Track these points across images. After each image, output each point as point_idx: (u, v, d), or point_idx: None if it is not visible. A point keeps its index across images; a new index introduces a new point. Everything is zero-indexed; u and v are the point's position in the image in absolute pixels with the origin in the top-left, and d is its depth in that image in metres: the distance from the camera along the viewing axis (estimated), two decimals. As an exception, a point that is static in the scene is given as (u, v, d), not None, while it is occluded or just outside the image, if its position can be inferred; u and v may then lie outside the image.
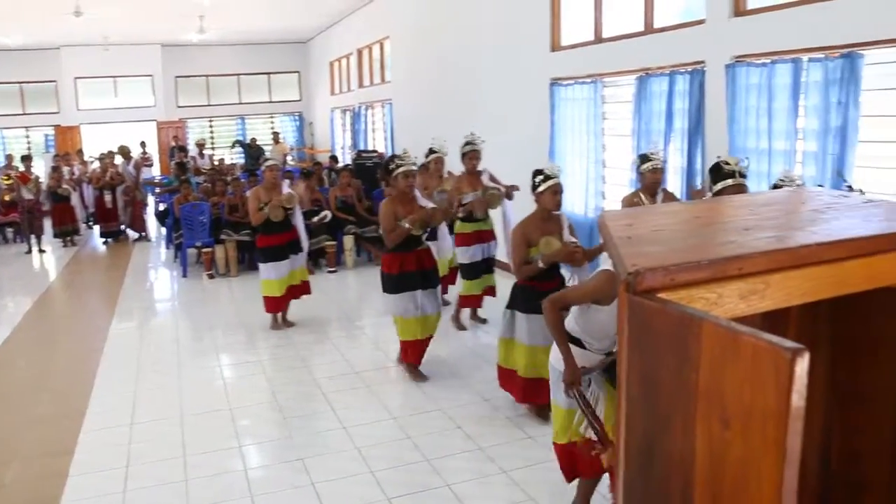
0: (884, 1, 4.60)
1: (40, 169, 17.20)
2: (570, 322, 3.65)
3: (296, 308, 7.65)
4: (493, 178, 6.78)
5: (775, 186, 4.39)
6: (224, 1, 14.04)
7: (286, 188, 7.30)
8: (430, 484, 4.28)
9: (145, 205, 14.50)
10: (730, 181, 4.26)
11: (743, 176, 4.31)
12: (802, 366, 0.93)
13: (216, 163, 16.43)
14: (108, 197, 13.39)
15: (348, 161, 14.90)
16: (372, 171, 12.53)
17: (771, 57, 5.37)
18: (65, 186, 13.37)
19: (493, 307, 7.12)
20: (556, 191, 4.72)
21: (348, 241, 10.43)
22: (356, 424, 5.14)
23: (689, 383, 1.05)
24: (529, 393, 4.95)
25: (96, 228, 14.04)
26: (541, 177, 4.74)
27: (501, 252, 7.13)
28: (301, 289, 7.48)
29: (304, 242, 7.48)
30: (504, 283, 7.40)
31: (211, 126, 22.11)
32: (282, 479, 4.44)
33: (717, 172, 4.36)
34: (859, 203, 1.84)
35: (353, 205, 10.72)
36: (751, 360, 0.96)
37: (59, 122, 20.07)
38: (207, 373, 6.38)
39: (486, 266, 7.00)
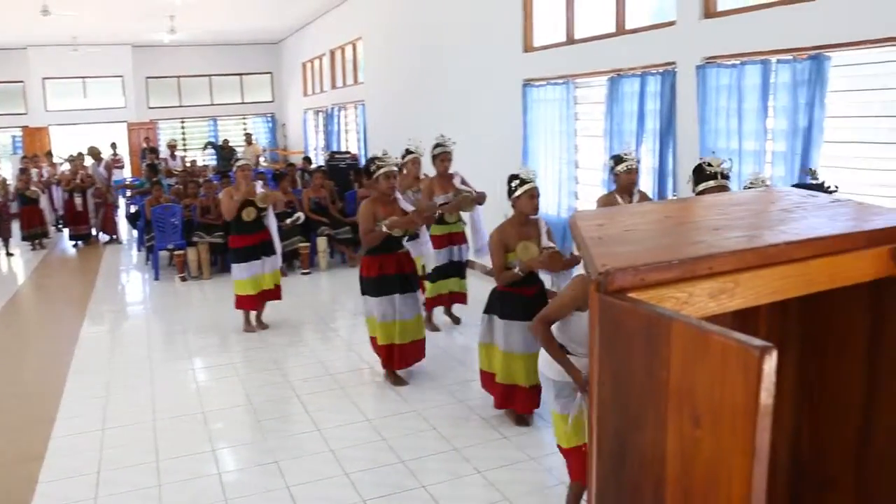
0: (850, 4, 4.67)
1: (8, 171, 16.95)
2: (554, 329, 3.65)
3: (269, 310, 7.61)
4: (464, 182, 6.75)
5: (746, 189, 4.43)
6: (195, 1, 13.93)
7: (259, 188, 7.24)
8: (405, 485, 4.28)
9: (116, 207, 14.34)
10: (712, 182, 4.28)
11: (725, 177, 4.33)
12: (770, 364, 0.94)
13: (188, 164, 16.30)
14: (78, 200, 13.22)
15: (321, 162, 14.85)
16: (345, 173, 12.49)
17: (740, 58, 5.43)
18: (33, 189, 13.18)
19: (467, 308, 7.16)
20: (533, 195, 4.69)
21: (322, 242, 10.39)
22: (331, 426, 5.12)
23: (659, 382, 1.06)
24: (506, 399, 4.93)
25: (66, 231, 13.86)
26: (517, 181, 4.71)
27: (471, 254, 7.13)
28: (273, 293, 7.41)
29: (277, 244, 7.41)
30: (477, 284, 7.43)
31: (182, 127, 21.94)
32: (256, 483, 4.41)
33: (700, 173, 4.38)
34: (826, 203, 1.87)
35: (327, 206, 10.68)
36: (720, 359, 0.98)
37: (27, 124, 19.82)
38: (180, 376, 6.32)
39: (455, 269, 6.95)
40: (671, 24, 6.16)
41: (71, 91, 20.19)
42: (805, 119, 4.92)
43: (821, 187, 3.96)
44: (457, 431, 4.94)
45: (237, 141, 19.84)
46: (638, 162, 5.55)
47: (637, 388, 1.12)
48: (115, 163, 16.03)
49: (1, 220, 12.66)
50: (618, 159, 5.44)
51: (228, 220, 7.31)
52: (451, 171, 6.73)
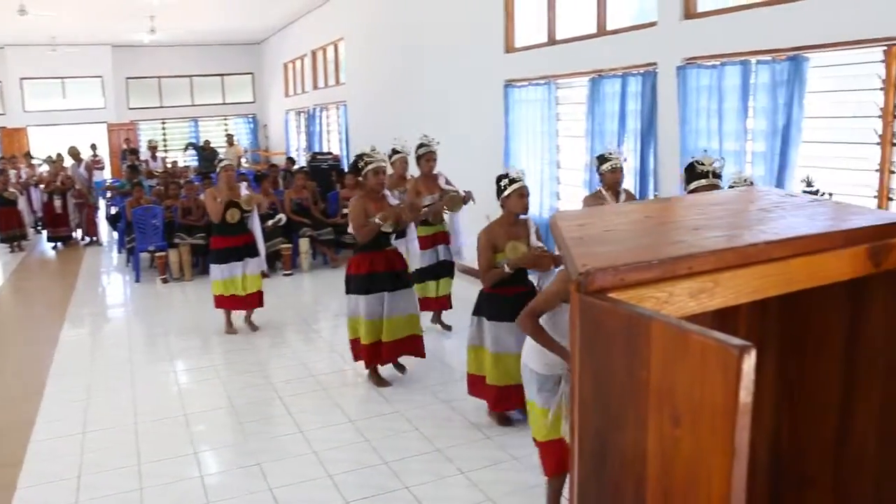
0: (828, 5, 4.72)
1: (-15, 172, 16.72)
2: (544, 323, 3.65)
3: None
4: (448, 182, 6.71)
5: (729, 188, 4.46)
6: (175, 1, 13.84)
7: (244, 190, 7.18)
8: (388, 486, 4.27)
9: (96, 208, 14.22)
10: (703, 181, 4.29)
11: (717, 176, 4.34)
12: (749, 363, 0.94)
13: (169, 166, 16.19)
14: (57, 202, 13.11)
15: (304, 163, 14.81)
16: (327, 174, 12.47)
17: (720, 59, 5.48)
18: (11, 190, 13.06)
19: (456, 313, 7.03)
20: (523, 194, 4.66)
21: (304, 243, 10.36)
22: (313, 428, 5.10)
23: (639, 382, 1.06)
24: (503, 400, 4.86)
25: (45, 233, 13.73)
26: (506, 180, 4.68)
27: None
28: (254, 299, 7.28)
29: (261, 246, 7.33)
30: (461, 286, 7.40)
31: (163, 128, 21.81)
32: (238, 485, 4.38)
33: (691, 172, 4.39)
34: (805, 202, 1.88)
35: (309, 207, 10.65)
36: (700, 358, 0.98)
37: (5, 124, 19.63)
38: (161, 378, 6.28)
39: (444, 269, 6.87)
40: (652, 24, 6.20)
41: (50, 91, 20.01)
42: (784, 119, 4.96)
43: (815, 195, 3.96)
44: (439, 432, 4.94)
45: (219, 142, 19.73)
46: (623, 160, 5.55)
47: (617, 388, 1.12)
48: (96, 164, 15.88)
49: (-22, 221, 12.53)
50: (602, 159, 5.43)
51: (214, 222, 7.22)
52: (435, 171, 6.71)
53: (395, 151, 7.00)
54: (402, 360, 5.93)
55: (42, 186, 13.81)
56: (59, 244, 13.25)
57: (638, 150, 6.30)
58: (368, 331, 5.61)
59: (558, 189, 7.73)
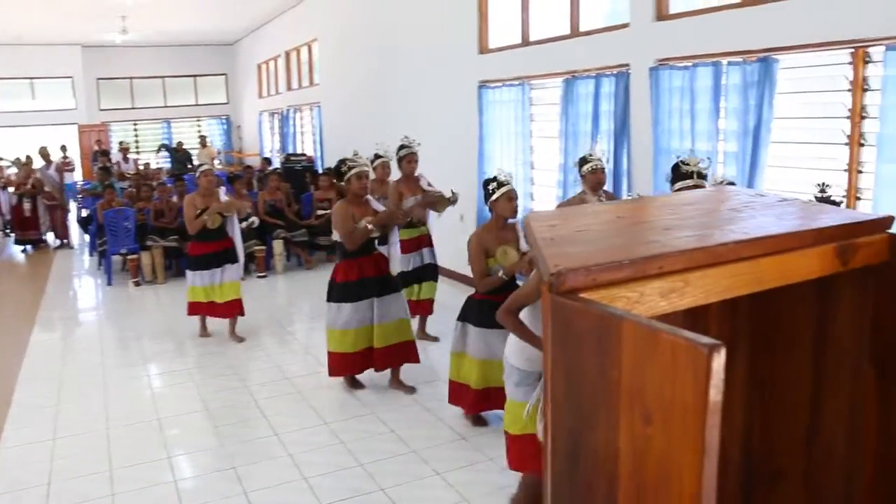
0: (797, 8, 4.78)
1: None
2: (525, 319, 3.65)
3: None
4: (429, 184, 6.63)
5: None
6: (147, 1, 13.71)
7: (223, 195, 7.06)
8: (364, 489, 4.26)
9: (67, 211, 14.05)
10: (689, 181, 4.29)
11: (702, 176, 4.34)
12: (719, 361, 0.95)
13: (141, 167, 16.03)
14: (27, 204, 12.92)
15: (277, 164, 14.74)
16: (301, 175, 12.42)
17: (692, 60, 5.52)
18: (-21, 193, 12.87)
19: (438, 318, 6.95)
20: (511, 197, 4.61)
21: (278, 245, 10.32)
22: (289, 431, 5.08)
23: (611, 381, 1.07)
24: (481, 402, 4.82)
25: (13, 236, 13.53)
26: (494, 184, 4.62)
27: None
28: (234, 307, 7.13)
29: (241, 252, 7.18)
30: (445, 292, 7.35)
31: (135, 129, 21.60)
32: (213, 489, 4.35)
33: (676, 172, 4.40)
34: (774, 202, 1.90)
35: (283, 209, 10.61)
36: (670, 357, 0.99)
37: (-28, 126, 19.32)
38: (134, 383, 6.21)
39: (425, 273, 6.76)
40: (625, 26, 6.24)
41: (18, 92, 19.72)
42: (754, 119, 5.02)
43: (827, 201, 3.94)
44: (415, 433, 4.94)
45: (192, 143, 19.58)
46: (605, 161, 5.48)
47: (589, 388, 1.13)
48: (66, 166, 15.68)
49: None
50: (583, 160, 5.38)
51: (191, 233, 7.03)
52: (416, 173, 6.60)
53: (377, 156, 6.92)
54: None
55: (11, 189, 13.60)
56: (28, 247, 13.07)
57: (611, 151, 6.33)
58: (351, 339, 5.50)
59: (532, 190, 7.75)
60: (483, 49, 8.32)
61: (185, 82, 21.82)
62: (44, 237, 13.32)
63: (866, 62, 4.51)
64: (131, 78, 21.06)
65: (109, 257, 10.10)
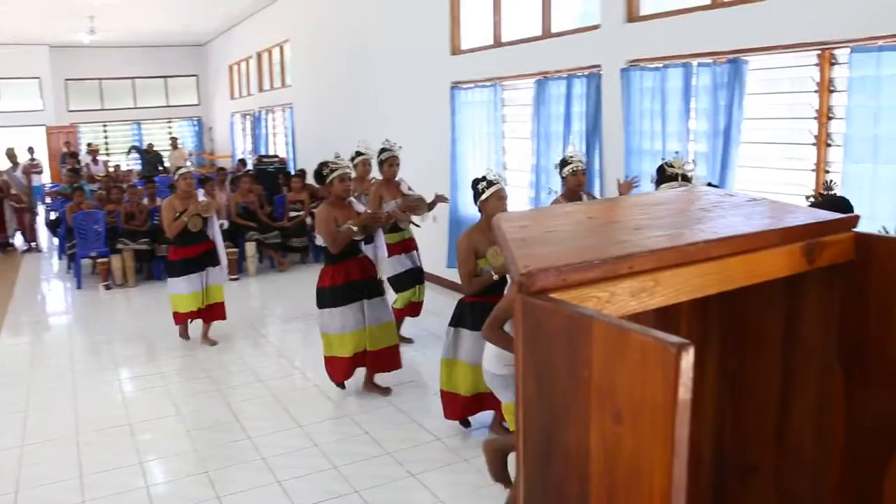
0: (765, 10, 4.84)
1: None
2: (507, 328, 3.63)
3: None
4: (410, 188, 6.54)
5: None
6: (116, 1, 13.56)
7: (202, 196, 6.92)
8: (338, 491, 4.24)
9: (35, 213, 13.84)
10: (675, 183, 4.26)
11: (687, 178, 4.34)
12: (688, 360, 0.96)
13: (111, 169, 15.85)
14: (-7, 208, 12.74)
15: (250, 166, 14.62)
16: (274, 177, 12.36)
17: (663, 61, 5.56)
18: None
19: (415, 324, 6.94)
20: (502, 196, 4.54)
21: (250, 247, 10.25)
22: (262, 434, 5.04)
23: (582, 381, 1.07)
24: (471, 407, 4.74)
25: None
26: (483, 183, 4.55)
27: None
28: (218, 311, 7.03)
29: (223, 254, 7.05)
30: (432, 297, 7.28)
31: (105, 131, 21.36)
32: (186, 494, 4.31)
33: (662, 174, 4.40)
34: (743, 202, 1.92)
35: (255, 211, 10.54)
36: (639, 356, 0.99)
37: (-63, 128, 18.98)
38: (105, 388, 6.14)
39: (418, 275, 6.66)
40: (596, 27, 6.27)
41: (-16, 93, 19.44)
42: (725, 120, 5.07)
43: (832, 198, 3.93)
44: (390, 435, 4.93)
45: (162, 145, 19.39)
46: (586, 163, 5.44)
47: (560, 387, 1.13)
48: (34, 168, 15.45)
49: None
50: (563, 162, 5.33)
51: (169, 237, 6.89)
52: (397, 177, 6.49)
53: (358, 153, 6.85)
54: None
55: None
56: (-5, 251, 12.88)
57: (583, 152, 6.35)
58: (348, 342, 5.40)
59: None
60: (455, 50, 8.33)
61: (156, 83, 21.61)
62: (11, 240, 13.11)
63: (832, 64, 4.58)
64: (100, 79, 20.82)
65: (79, 261, 9.97)
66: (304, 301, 8.64)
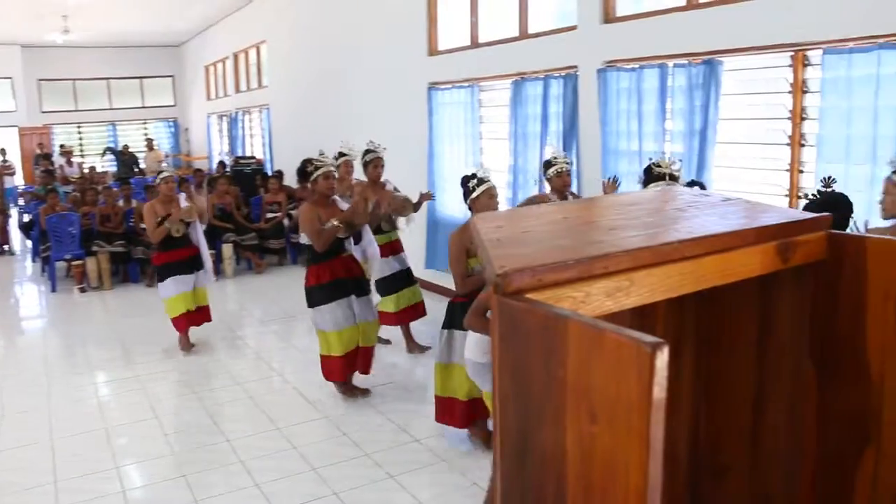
0: (740, 12, 4.88)
1: None
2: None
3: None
4: (396, 189, 6.44)
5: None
6: (89, 1, 13.42)
7: (184, 200, 6.78)
8: (317, 493, 4.23)
9: (8, 216, 13.67)
10: (662, 183, 4.25)
11: (675, 178, 4.35)
12: (662, 359, 0.96)
13: (86, 171, 15.69)
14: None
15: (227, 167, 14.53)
16: (251, 178, 12.30)
17: (639, 62, 5.60)
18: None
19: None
20: (493, 194, 4.47)
21: (227, 249, 10.19)
22: (240, 437, 5.01)
23: (557, 381, 1.08)
24: (471, 413, 4.58)
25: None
26: (474, 181, 4.48)
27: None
28: (202, 314, 6.96)
29: (207, 258, 6.94)
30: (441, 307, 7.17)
31: (79, 132, 21.14)
32: (164, 499, 4.28)
33: (649, 175, 4.42)
34: (718, 202, 1.94)
35: (232, 212, 10.48)
36: (614, 356, 1.00)
37: None
38: (80, 392, 6.07)
39: (407, 277, 6.53)
40: (572, 28, 6.30)
41: (-48, 94, 19.17)
42: (700, 120, 5.11)
43: (831, 196, 3.93)
44: (368, 437, 4.92)
45: (138, 146, 19.22)
46: (569, 164, 5.41)
47: (536, 388, 1.13)
48: (6, 169, 15.29)
49: None
50: (548, 164, 5.31)
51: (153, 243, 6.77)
52: (382, 178, 6.40)
53: (341, 154, 6.79)
54: (313, 366, 5.73)
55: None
56: (-33, 254, 12.70)
57: (560, 152, 6.38)
58: (345, 339, 5.35)
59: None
60: (432, 51, 8.33)
61: (131, 84, 21.41)
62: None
63: (806, 65, 4.63)
64: (74, 79, 20.58)
65: (53, 263, 9.86)
66: (282, 303, 8.63)
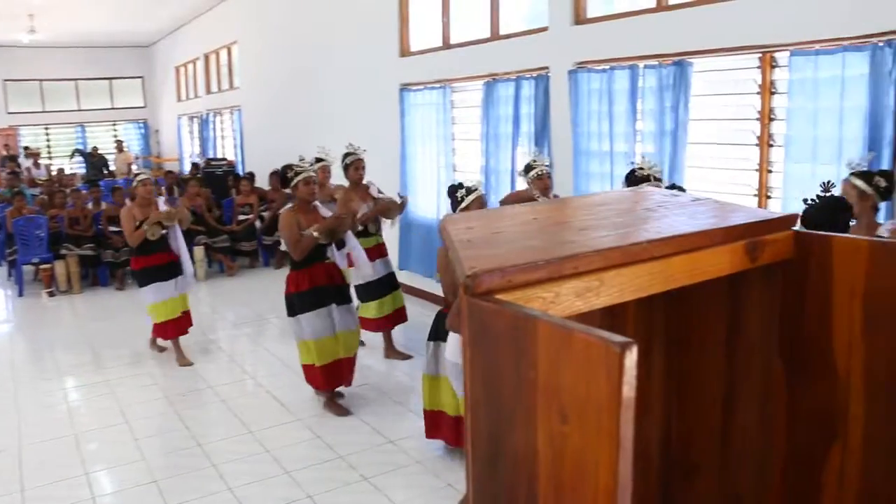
0: (709, 14, 4.93)
1: None
2: None
3: (145, 321, 7.27)
4: (379, 191, 6.40)
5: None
6: (56, 1, 13.24)
7: (162, 204, 6.64)
8: (291, 497, 4.20)
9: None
10: (646, 185, 4.27)
11: (658, 179, 4.36)
12: (631, 359, 0.97)
13: (54, 173, 15.48)
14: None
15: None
16: (222, 180, 12.19)
17: (610, 63, 5.63)
18: None
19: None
20: (483, 203, 4.44)
21: (199, 252, 10.09)
22: (212, 441, 4.97)
23: (528, 381, 1.08)
24: (458, 428, 4.39)
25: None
26: (462, 191, 4.44)
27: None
28: (187, 320, 6.79)
29: (188, 264, 6.77)
30: (416, 310, 7.18)
31: (47, 134, 20.83)
32: (133, 504, 4.23)
33: (632, 177, 4.43)
34: (687, 201, 1.95)
35: (203, 214, 10.39)
36: (584, 356, 1.00)
37: None
38: (49, 398, 5.97)
39: (390, 283, 6.44)
40: (544, 29, 6.32)
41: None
42: (672, 122, 5.15)
43: (832, 199, 3.94)
44: (341, 439, 4.90)
45: (108, 148, 19.00)
46: (549, 166, 5.37)
47: (507, 389, 1.13)
48: (-29, 172, 15.04)
49: None
50: (528, 167, 5.29)
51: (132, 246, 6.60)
52: (364, 180, 6.31)
53: (318, 159, 6.70)
54: (286, 369, 5.68)
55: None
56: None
57: (532, 153, 6.40)
58: (323, 350, 5.22)
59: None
60: (404, 52, 8.32)
61: (100, 85, 21.14)
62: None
63: (773, 66, 4.69)
64: (41, 80, 20.27)
65: (20, 267, 9.71)
66: (255, 305, 8.58)
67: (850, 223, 3.67)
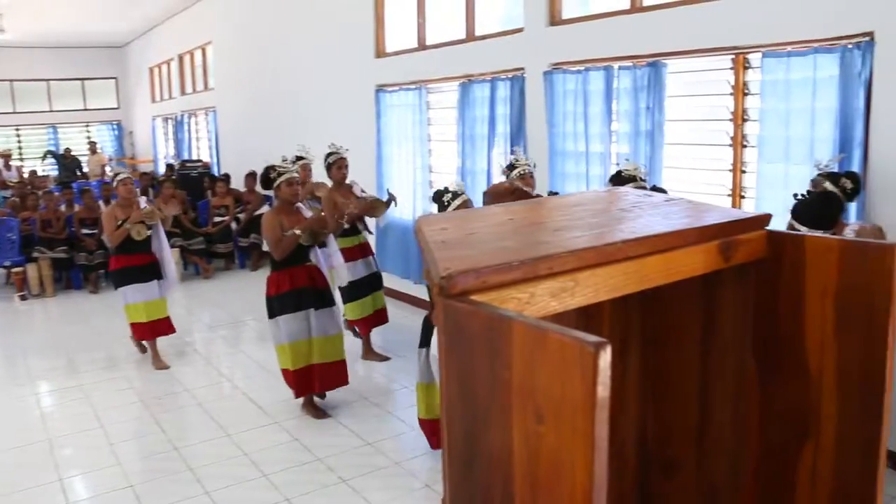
0: (683, 16, 4.97)
1: None
2: None
3: (120, 324, 7.20)
4: (363, 190, 6.37)
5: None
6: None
7: (143, 203, 6.51)
8: (269, 500, 4.18)
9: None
10: (631, 185, 4.26)
11: (643, 180, 4.35)
12: (605, 359, 0.97)
13: (26, 175, 15.28)
14: None
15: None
16: (197, 182, 12.10)
17: (585, 64, 5.66)
18: None
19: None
20: (469, 206, 4.39)
21: (174, 254, 9.95)
22: (189, 444, 4.93)
23: (503, 382, 1.08)
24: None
25: None
26: (449, 195, 4.41)
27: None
28: (165, 325, 6.65)
29: (170, 266, 6.68)
30: (393, 311, 7.13)
31: (18, 136, 20.54)
32: (108, 510, 4.18)
33: (618, 179, 4.43)
34: (661, 202, 1.96)
35: (178, 217, 10.30)
36: (558, 356, 1.01)
37: None
38: (20, 403, 5.89)
39: (376, 281, 6.42)
40: (519, 31, 6.34)
41: None
42: (647, 122, 5.18)
43: (832, 195, 3.95)
44: (319, 441, 4.88)
45: (81, 150, 18.78)
46: (531, 166, 5.30)
47: (482, 390, 1.14)
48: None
49: None
50: (511, 167, 5.23)
51: (113, 246, 6.46)
52: (348, 180, 6.28)
53: (298, 158, 6.62)
54: (263, 371, 5.60)
55: None
56: None
57: (508, 154, 6.41)
58: (296, 354, 5.14)
59: (430, 193, 7.77)
60: (380, 53, 8.31)
61: (73, 86, 20.88)
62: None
63: (746, 68, 4.74)
64: (11, 80, 19.99)
65: (-8, 271, 9.59)
66: (231, 307, 8.52)
67: (841, 218, 3.71)
